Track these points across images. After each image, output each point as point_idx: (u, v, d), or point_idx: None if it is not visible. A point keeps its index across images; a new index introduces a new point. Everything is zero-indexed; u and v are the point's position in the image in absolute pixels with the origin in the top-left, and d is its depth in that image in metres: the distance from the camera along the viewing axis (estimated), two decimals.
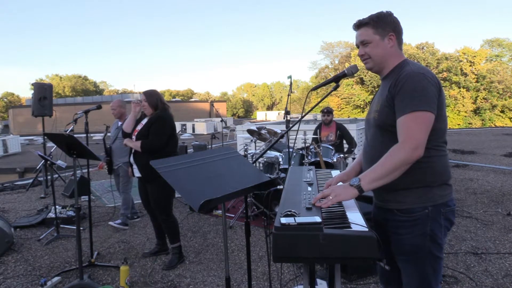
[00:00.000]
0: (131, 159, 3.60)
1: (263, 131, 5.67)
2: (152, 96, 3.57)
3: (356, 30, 1.76)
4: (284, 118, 5.06)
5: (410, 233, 1.62)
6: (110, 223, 4.78)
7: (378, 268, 1.96)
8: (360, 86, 40.51)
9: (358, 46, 1.77)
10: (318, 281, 2.95)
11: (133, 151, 3.57)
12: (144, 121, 3.64)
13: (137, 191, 3.81)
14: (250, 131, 5.93)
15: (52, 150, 6.98)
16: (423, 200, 1.61)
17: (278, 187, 4.18)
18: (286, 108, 4.82)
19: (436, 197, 1.62)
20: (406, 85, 1.56)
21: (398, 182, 1.56)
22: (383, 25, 1.69)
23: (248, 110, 72.75)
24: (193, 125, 27.59)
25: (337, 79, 1.92)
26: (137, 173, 3.60)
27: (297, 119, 2.31)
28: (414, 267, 1.65)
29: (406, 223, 1.62)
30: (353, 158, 5.66)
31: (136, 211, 5.26)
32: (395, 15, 1.74)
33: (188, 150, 8.11)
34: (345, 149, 6.00)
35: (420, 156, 1.52)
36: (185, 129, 26.59)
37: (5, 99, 62.64)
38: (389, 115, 1.62)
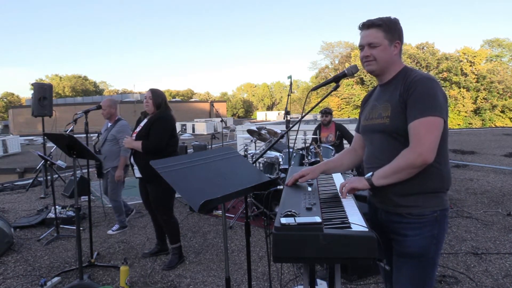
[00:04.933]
0: (132, 160, 3.60)
1: (263, 131, 5.67)
2: (158, 95, 3.57)
3: (364, 30, 1.71)
4: (284, 118, 5.06)
5: (419, 235, 1.63)
6: (109, 232, 4.65)
7: (380, 268, 1.96)
8: (360, 86, 40.47)
9: (361, 46, 1.72)
10: (318, 281, 2.95)
11: (133, 151, 3.57)
12: (143, 122, 3.64)
13: (137, 191, 3.81)
14: (250, 131, 5.93)
15: (52, 150, 6.98)
16: (433, 204, 1.64)
17: (278, 187, 4.19)
18: (286, 108, 4.82)
19: (444, 202, 1.67)
20: (417, 90, 1.57)
21: (410, 187, 1.61)
22: (393, 31, 1.68)
23: (248, 110, 72.73)
24: (193, 125, 27.58)
25: (337, 79, 1.91)
26: (137, 174, 3.60)
27: (297, 119, 2.31)
28: (414, 270, 1.66)
29: (415, 224, 1.64)
30: None
31: (129, 208, 5.21)
32: (396, 16, 1.73)
33: (188, 150, 8.11)
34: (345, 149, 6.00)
35: (427, 161, 1.54)
36: (185, 129, 26.57)
37: (5, 99, 62.62)
38: (403, 121, 1.61)
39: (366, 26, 1.70)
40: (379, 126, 1.72)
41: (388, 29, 1.67)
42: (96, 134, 5.46)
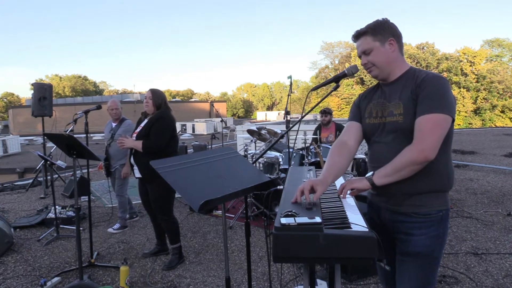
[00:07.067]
0: (132, 160, 3.60)
1: (263, 131, 5.67)
2: (157, 95, 3.57)
3: (355, 41, 1.76)
4: (284, 118, 5.06)
5: (424, 234, 1.63)
6: (109, 230, 4.68)
7: (378, 268, 1.95)
8: (360, 86, 40.49)
9: (360, 57, 1.76)
10: (318, 281, 2.95)
11: (133, 151, 3.57)
12: (144, 122, 3.64)
13: (137, 191, 3.81)
14: (250, 131, 5.93)
15: (52, 150, 6.98)
16: (440, 203, 1.64)
17: (278, 187, 4.19)
18: (286, 108, 4.82)
19: (447, 201, 1.68)
20: (428, 88, 1.58)
21: (419, 187, 1.61)
22: (381, 31, 1.69)
23: (248, 110, 72.76)
24: (193, 125, 27.59)
25: (337, 79, 1.91)
26: (137, 174, 3.59)
27: (297, 119, 2.30)
28: (419, 270, 1.65)
29: (421, 224, 1.63)
30: (354, 158, 5.64)
31: (134, 211, 5.24)
32: (394, 17, 1.74)
33: (188, 150, 8.11)
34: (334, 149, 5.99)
35: (429, 158, 1.53)
36: (185, 129, 26.58)
37: (5, 99, 62.67)
38: (415, 118, 1.61)
39: (356, 37, 1.75)
40: (391, 124, 1.69)
41: (374, 32, 1.69)
42: (98, 134, 5.47)
